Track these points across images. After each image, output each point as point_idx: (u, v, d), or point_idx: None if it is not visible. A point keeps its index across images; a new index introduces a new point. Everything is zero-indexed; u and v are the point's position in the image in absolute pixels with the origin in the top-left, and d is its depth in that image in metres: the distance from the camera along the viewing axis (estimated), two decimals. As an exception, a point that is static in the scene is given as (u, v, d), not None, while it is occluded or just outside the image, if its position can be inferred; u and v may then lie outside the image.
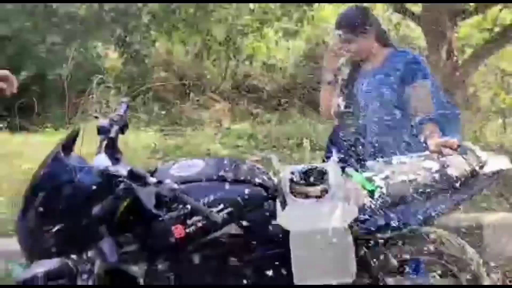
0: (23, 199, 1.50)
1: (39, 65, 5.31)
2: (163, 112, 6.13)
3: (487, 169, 1.62)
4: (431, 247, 1.74)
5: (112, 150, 1.61)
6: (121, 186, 1.47)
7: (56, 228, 1.42)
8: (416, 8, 4.86)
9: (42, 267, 1.60)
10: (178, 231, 1.52)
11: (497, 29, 4.51)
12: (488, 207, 3.27)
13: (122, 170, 1.51)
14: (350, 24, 2.04)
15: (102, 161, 1.53)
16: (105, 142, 1.61)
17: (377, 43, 2.11)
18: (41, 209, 1.41)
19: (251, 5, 6.59)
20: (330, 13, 7.66)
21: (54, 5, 5.48)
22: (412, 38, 7.39)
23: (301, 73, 8.35)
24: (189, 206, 1.45)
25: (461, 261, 1.77)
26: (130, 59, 6.37)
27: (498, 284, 2.63)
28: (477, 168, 1.60)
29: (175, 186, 1.43)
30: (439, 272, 1.90)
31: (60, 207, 1.42)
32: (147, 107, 5.68)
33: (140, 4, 6.23)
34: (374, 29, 2.07)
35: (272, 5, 6.40)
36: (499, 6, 4.69)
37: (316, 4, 6.35)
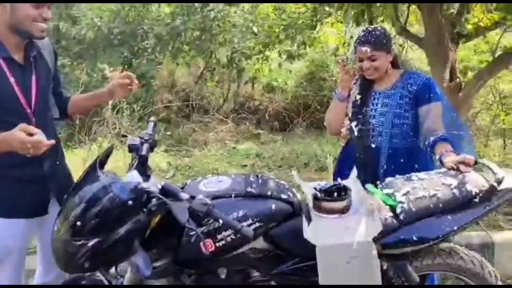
0: (60, 212, 1.54)
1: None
2: (168, 133, 6.20)
3: (504, 185, 1.68)
4: (451, 262, 1.79)
5: (143, 167, 1.66)
6: (154, 201, 1.52)
7: (92, 242, 1.46)
8: (413, 29, 4.99)
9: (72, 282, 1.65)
10: (209, 245, 1.57)
11: (498, 52, 4.63)
12: (496, 225, 3.33)
13: (153, 186, 1.57)
14: (377, 41, 2.10)
15: (134, 177, 1.59)
16: (136, 160, 1.67)
17: (391, 64, 2.20)
18: (78, 223, 1.46)
19: (255, 29, 6.73)
20: (330, 36, 7.87)
21: (63, 28, 5.59)
22: (410, 59, 7.57)
23: (302, 95, 8.47)
24: (220, 221, 1.50)
25: (479, 276, 1.81)
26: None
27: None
28: (495, 184, 1.67)
29: (208, 201, 1.48)
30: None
31: (96, 221, 1.46)
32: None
33: (146, 27, 6.36)
34: (393, 50, 2.15)
35: (275, 28, 6.54)
36: (497, 30, 4.85)
37: (318, 27, 6.49)
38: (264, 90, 9.42)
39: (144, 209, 1.52)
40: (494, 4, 3.99)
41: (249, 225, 1.58)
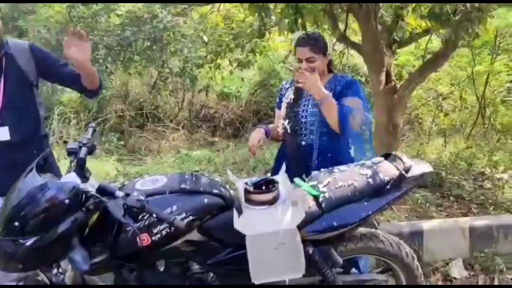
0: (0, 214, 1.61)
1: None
2: (122, 143, 6.22)
3: (412, 173, 1.89)
4: (372, 245, 1.97)
5: (82, 170, 1.75)
6: (91, 200, 1.62)
7: (31, 241, 1.54)
8: (356, 38, 5.28)
9: (14, 282, 1.71)
10: (145, 239, 1.67)
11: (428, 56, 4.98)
12: (429, 215, 3.59)
13: (90, 186, 1.66)
14: (315, 44, 2.30)
15: (72, 179, 1.68)
16: (74, 163, 1.76)
17: (327, 69, 2.40)
18: (16, 223, 1.53)
19: (205, 38, 6.86)
20: (280, 44, 8.12)
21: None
22: (355, 65, 7.92)
23: (256, 101, 8.67)
24: (155, 215, 1.61)
25: (397, 256, 2.00)
26: (87, 91, 6.44)
27: (439, 284, 2.91)
28: (403, 172, 1.87)
29: (142, 197, 1.59)
30: (380, 269, 2.15)
31: (34, 220, 1.54)
32: (105, 138, 5.76)
33: (96, 38, 6.36)
34: (329, 55, 2.36)
35: (225, 37, 6.70)
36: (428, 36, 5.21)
37: (266, 36, 6.70)
38: (219, 98, 9.54)
39: (82, 208, 1.62)
40: (425, 11, 4.31)
41: (183, 219, 1.70)
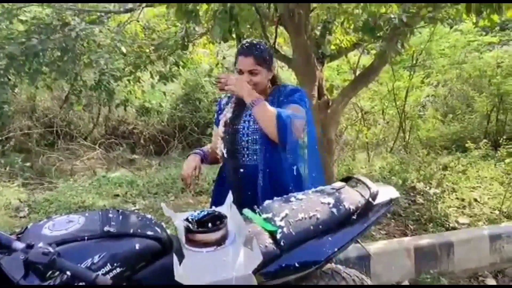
0: None
1: None
2: (28, 164, 5.50)
3: (379, 200, 1.66)
4: (334, 284, 1.71)
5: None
6: (-23, 256, 1.18)
7: None
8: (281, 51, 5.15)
9: None
10: (56, 304, 1.26)
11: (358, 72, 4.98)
12: (368, 235, 3.45)
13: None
14: (261, 55, 1.99)
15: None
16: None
17: (271, 83, 2.11)
18: None
19: (124, 49, 6.37)
20: (204, 57, 7.81)
21: None
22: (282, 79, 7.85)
23: (179, 116, 8.26)
24: (68, 272, 1.21)
25: (361, 294, 1.77)
26: (-17, 106, 5.64)
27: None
28: (370, 199, 1.63)
29: (50, 249, 1.19)
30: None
31: None
32: (7, 159, 5.03)
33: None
34: (274, 68, 2.07)
35: (146, 48, 6.27)
36: (356, 52, 5.24)
37: (190, 48, 6.37)
38: (138, 113, 9.02)
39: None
40: (352, 27, 4.27)
41: (108, 272, 1.31)
